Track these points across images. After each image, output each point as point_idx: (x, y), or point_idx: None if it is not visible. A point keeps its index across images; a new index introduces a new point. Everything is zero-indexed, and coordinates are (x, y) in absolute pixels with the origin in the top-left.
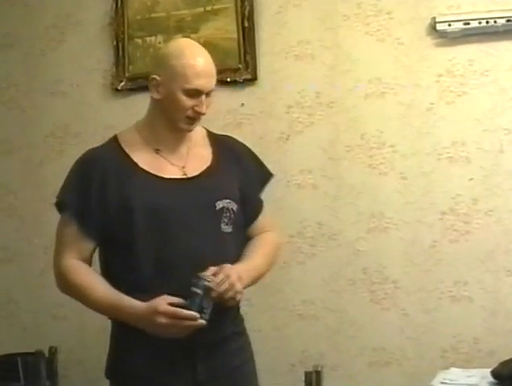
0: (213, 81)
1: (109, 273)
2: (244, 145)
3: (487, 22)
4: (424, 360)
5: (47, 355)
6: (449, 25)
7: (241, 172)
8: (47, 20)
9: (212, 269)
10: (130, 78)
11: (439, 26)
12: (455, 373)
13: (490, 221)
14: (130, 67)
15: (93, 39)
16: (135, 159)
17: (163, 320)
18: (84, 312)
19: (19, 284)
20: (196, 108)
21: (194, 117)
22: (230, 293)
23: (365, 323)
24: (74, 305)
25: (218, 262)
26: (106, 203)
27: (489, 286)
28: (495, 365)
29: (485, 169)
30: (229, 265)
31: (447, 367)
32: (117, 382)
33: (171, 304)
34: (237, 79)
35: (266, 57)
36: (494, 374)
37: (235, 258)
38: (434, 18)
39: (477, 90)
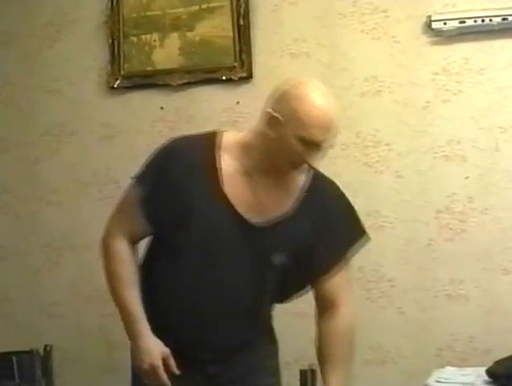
0: (331, 136)
1: (148, 265)
2: (339, 200)
3: (482, 21)
4: (420, 359)
5: (42, 353)
6: (445, 23)
7: (319, 229)
8: (43, 18)
9: None
10: (125, 76)
11: (434, 25)
12: (450, 372)
13: (486, 219)
14: (126, 65)
15: (89, 37)
16: (220, 175)
17: (146, 366)
18: (79, 311)
19: (15, 282)
20: (306, 157)
21: (300, 165)
22: None
23: (361, 322)
24: (70, 304)
25: (251, 310)
26: (172, 199)
27: (485, 285)
28: (491, 364)
29: (481, 167)
30: None
31: (442, 366)
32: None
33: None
34: (233, 77)
35: (262, 55)
36: (489, 373)
37: (267, 305)
38: (429, 16)
39: (473, 88)
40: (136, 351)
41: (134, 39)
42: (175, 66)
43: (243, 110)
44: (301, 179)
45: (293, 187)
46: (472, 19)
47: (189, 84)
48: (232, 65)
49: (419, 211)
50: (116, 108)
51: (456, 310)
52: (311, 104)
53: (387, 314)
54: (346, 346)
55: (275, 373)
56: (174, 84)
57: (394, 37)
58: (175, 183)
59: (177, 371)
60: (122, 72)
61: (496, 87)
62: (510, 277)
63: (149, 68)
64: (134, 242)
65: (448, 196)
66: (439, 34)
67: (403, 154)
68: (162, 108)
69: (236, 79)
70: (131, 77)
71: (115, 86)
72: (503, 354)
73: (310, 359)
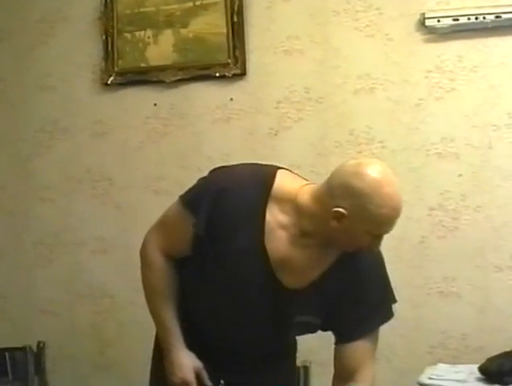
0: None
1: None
2: (376, 269)
3: (476, 19)
4: (413, 356)
5: (35, 350)
6: (438, 21)
7: (352, 295)
8: (36, 14)
9: None
10: (119, 72)
11: (428, 22)
12: (443, 369)
13: (479, 217)
14: (120, 61)
15: (83, 34)
16: (268, 230)
17: (178, 381)
18: (72, 307)
19: (7, 279)
20: (372, 246)
21: (363, 250)
22: None
23: None
24: (63, 301)
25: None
26: (219, 238)
27: (478, 282)
28: (483, 361)
29: (474, 165)
30: None
31: (435, 363)
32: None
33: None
34: (226, 74)
35: (256, 52)
36: (482, 370)
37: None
38: (423, 14)
39: (466, 86)
40: (169, 365)
41: (128, 35)
42: (168, 62)
43: (236, 107)
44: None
45: (329, 251)
46: (466, 17)
47: (183, 81)
48: (225, 62)
49: (412, 208)
50: (109, 104)
51: (448, 307)
52: (381, 202)
53: None
54: None
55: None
56: (167, 80)
57: (387, 34)
58: (224, 224)
59: (210, 384)
60: (116, 69)
61: (489, 85)
62: (503, 274)
63: (142, 65)
64: (171, 257)
65: (441, 194)
66: (432, 32)
67: (396, 152)
68: (155, 104)
69: (229, 75)
70: (125, 74)
71: (109, 82)
72: (495, 351)
73: (303, 356)
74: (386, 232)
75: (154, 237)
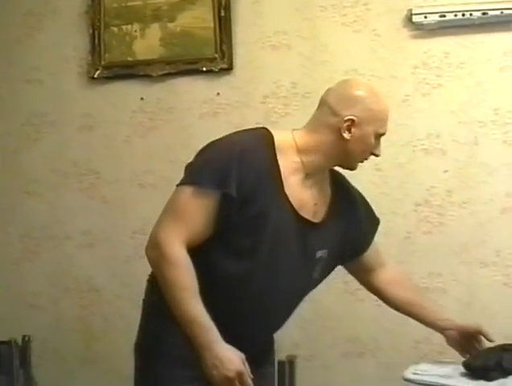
0: None
1: (200, 261)
2: (356, 190)
3: (463, 15)
4: (398, 351)
5: (20, 343)
6: (425, 17)
7: (351, 221)
8: (24, 7)
9: None
10: (105, 66)
11: (415, 18)
12: (428, 364)
13: (464, 213)
14: (106, 55)
15: (70, 27)
16: (284, 178)
17: (232, 375)
18: (58, 301)
19: None
20: (376, 150)
21: (366, 158)
22: None
23: (339, 314)
24: (49, 295)
25: (295, 305)
26: (243, 205)
27: (463, 278)
28: (467, 356)
29: (460, 161)
30: None
31: (420, 358)
32: (148, 357)
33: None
34: (213, 68)
35: (243, 47)
36: (466, 365)
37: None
38: (410, 9)
39: (453, 82)
40: (215, 360)
41: (115, 29)
42: (155, 57)
43: (223, 101)
44: (327, 175)
45: (327, 185)
46: (453, 13)
47: (169, 75)
48: (212, 56)
49: (398, 204)
50: (96, 98)
51: None
52: (382, 103)
53: (365, 306)
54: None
55: (273, 363)
56: (154, 74)
57: (374, 30)
58: (250, 188)
59: (251, 375)
60: (103, 63)
61: (476, 81)
62: (488, 270)
63: (129, 59)
64: (190, 244)
65: (427, 189)
66: (419, 28)
67: (383, 147)
68: (142, 98)
69: (216, 70)
70: (112, 67)
71: (95, 76)
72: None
73: (288, 350)
74: (385, 129)
75: (171, 233)
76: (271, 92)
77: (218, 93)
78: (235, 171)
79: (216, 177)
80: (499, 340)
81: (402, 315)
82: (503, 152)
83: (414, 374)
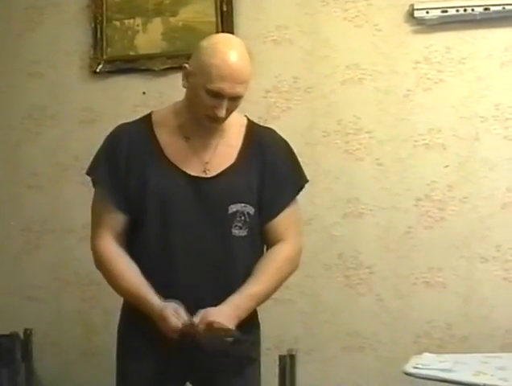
0: (239, 87)
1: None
2: (280, 144)
3: (465, 10)
4: (398, 345)
5: (22, 337)
6: (427, 12)
7: (264, 172)
8: (25, 1)
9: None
10: (107, 60)
11: (417, 14)
12: (428, 358)
13: (465, 208)
14: (108, 49)
15: (72, 21)
16: (162, 144)
17: (172, 334)
18: (59, 294)
19: None
20: (215, 109)
21: (213, 117)
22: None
23: (339, 308)
24: (50, 288)
25: (225, 266)
26: (128, 180)
27: (463, 273)
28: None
29: (461, 156)
30: (212, 313)
31: (420, 352)
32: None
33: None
34: None
35: (244, 41)
36: None
37: (250, 261)
38: (412, 5)
39: (454, 78)
40: (161, 325)
41: (117, 23)
42: (157, 51)
43: None
44: (241, 132)
45: (235, 141)
46: (455, 9)
47: (171, 70)
48: None
49: (399, 198)
50: (98, 92)
51: (433, 297)
52: (216, 56)
53: (366, 300)
54: (274, 268)
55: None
56: (156, 68)
57: (376, 25)
58: (127, 164)
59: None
60: (105, 57)
61: (477, 76)
62: (488, 265)
63: (131, 53)
64: (118, 234)
65: (428, 184)
66: (421, 23)
67: (384, 142)
68: (144, 93)
69: None
70: (113, 62)
71: (97, 70)
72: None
73: (289, 344)
74: (223, 90)
75: (97, 239)
76: (273, 86)
77: None
78: (107, 156)
79: (96, 168)
80: (499, 334)
81: (402, 310)
82: (504, 147)
83: (415, 368)
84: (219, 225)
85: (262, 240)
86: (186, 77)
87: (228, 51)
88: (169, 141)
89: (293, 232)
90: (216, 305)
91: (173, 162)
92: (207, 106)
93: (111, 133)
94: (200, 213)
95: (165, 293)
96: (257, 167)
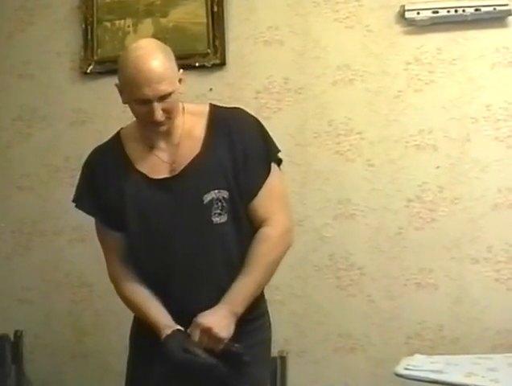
0: (162, 86)
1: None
2: (248, 121)
3: (456, 11)
4: (389, 346)
5: (12, 338)
6: (418, 13)
7: (235, 153)
8: (15, 2)
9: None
10: (98, 61)
11: (407, 14)
12: (419, 359)
13: (456, 209)
14: (99, 50)
15: (62, 22)
16: (132, 158)
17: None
18: (50, 296)
19: None
20: (150, 115)
21: (155, 123)
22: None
23: (330, 309)
24: (40, 290)
25: (214, 257)
26: (109, 199)
27: (454, 274)
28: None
29: (452, 157)
30: (207, 318)
31: (411, 354)
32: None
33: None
34: (206, 64)
35: (235, 42)
36: None
37: (237, 245)
38: (403, 6)
39: (445, 78)
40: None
41: (108, 24)
42: None
43: (216, 97)
44: (203, 121)
45: (198, 132)
46: (446, 9)
47: None
48: (205, 52)
49: (390, 199)
50: (88, 93)
51: (424, 298)
52: (128, 68)
53: (357, 301)
54: (260, 254)
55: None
56: None
57: (367, 26)
58: (106, 183)
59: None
60: (95, 58)
61: (468, 77)
62: (479, 266)
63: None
64: (125, 252)
65: (419, 185)
66: (412, 24)
67: (375, 143)
68: None
69: (209, 65)
70: (104, 63)
71: (88, 71)
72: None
73: (280, 346)
74: (147, 95)
75: (109, 266)
76: (264, 87)
77: (211, 89)
78: (88, 185)
79: (86, 198)
80: (490, 335)
81: (393, 311)
82: (495, 148)
83: (406, 369)
84: (199, 218)
85: (248, 223)
86: (120, 94)
87: (136, 57)
88: (138, 154)
89: (277, 210)
90: (215, 303)
91: (144, 173)
92: (143, 115)
93: (86, 160)
94: (179, 212)
95: (163, 301)
96: (226, 150)
